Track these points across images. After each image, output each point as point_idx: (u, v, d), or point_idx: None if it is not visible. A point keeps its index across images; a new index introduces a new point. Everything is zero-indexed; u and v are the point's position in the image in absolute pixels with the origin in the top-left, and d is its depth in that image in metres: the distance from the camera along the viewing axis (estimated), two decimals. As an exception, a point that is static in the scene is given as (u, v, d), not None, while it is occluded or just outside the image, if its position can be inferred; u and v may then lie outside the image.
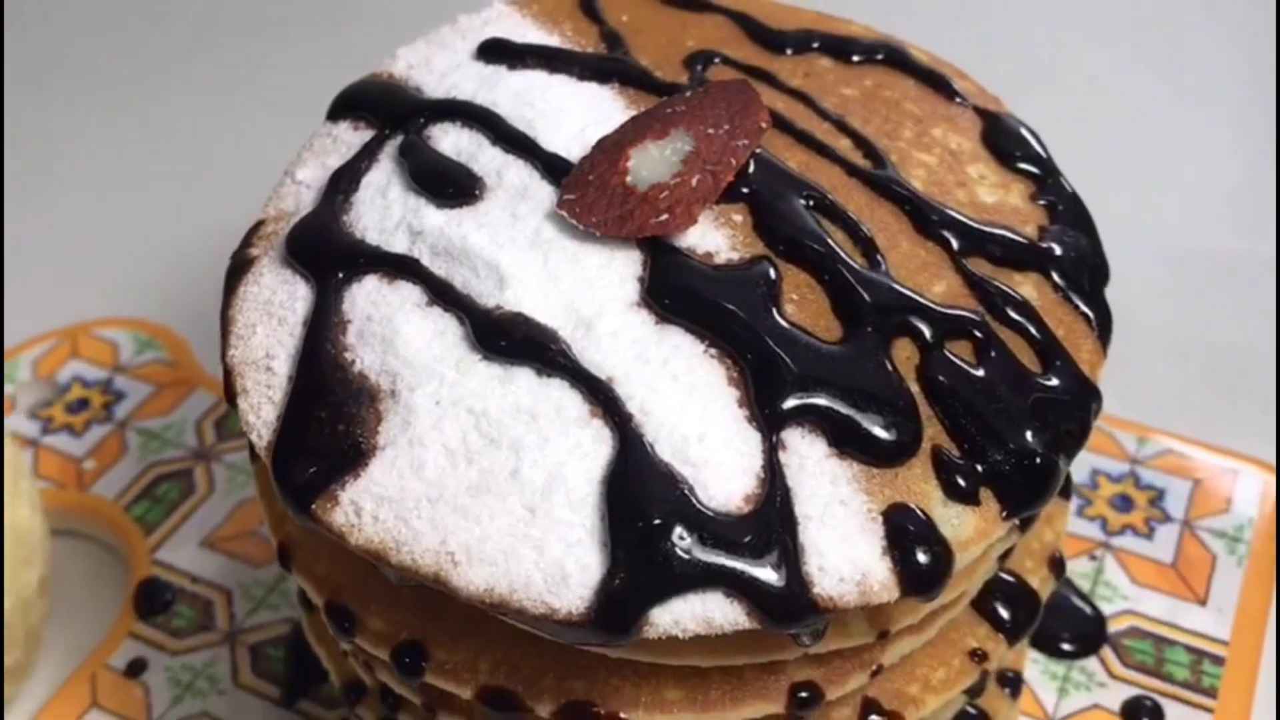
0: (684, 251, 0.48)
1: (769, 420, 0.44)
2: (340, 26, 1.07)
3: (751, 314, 0.46)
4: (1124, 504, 0.74)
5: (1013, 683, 0.61)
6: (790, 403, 0.45)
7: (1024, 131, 0.57)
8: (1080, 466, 0.76)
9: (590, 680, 0.47)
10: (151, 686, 0.67)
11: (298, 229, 0.52)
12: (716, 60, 0.58)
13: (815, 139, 0.53)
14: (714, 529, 0.42)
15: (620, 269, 0.48)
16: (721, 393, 0.45)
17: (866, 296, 0.47)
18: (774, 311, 0.47)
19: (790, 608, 0.42)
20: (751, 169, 0.51)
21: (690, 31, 0.60)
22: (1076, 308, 0.51)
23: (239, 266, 0.53)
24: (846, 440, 0.45)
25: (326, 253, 0.51)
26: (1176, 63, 0.96)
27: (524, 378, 0.45)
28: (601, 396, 0.45)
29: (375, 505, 0.44)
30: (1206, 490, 0.75)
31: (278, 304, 0.50)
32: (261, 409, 0.48)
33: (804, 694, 0.47)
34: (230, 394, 0.49)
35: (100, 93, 1.06)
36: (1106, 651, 0.68)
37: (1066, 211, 0.54)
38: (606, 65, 0.57)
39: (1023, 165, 0.55)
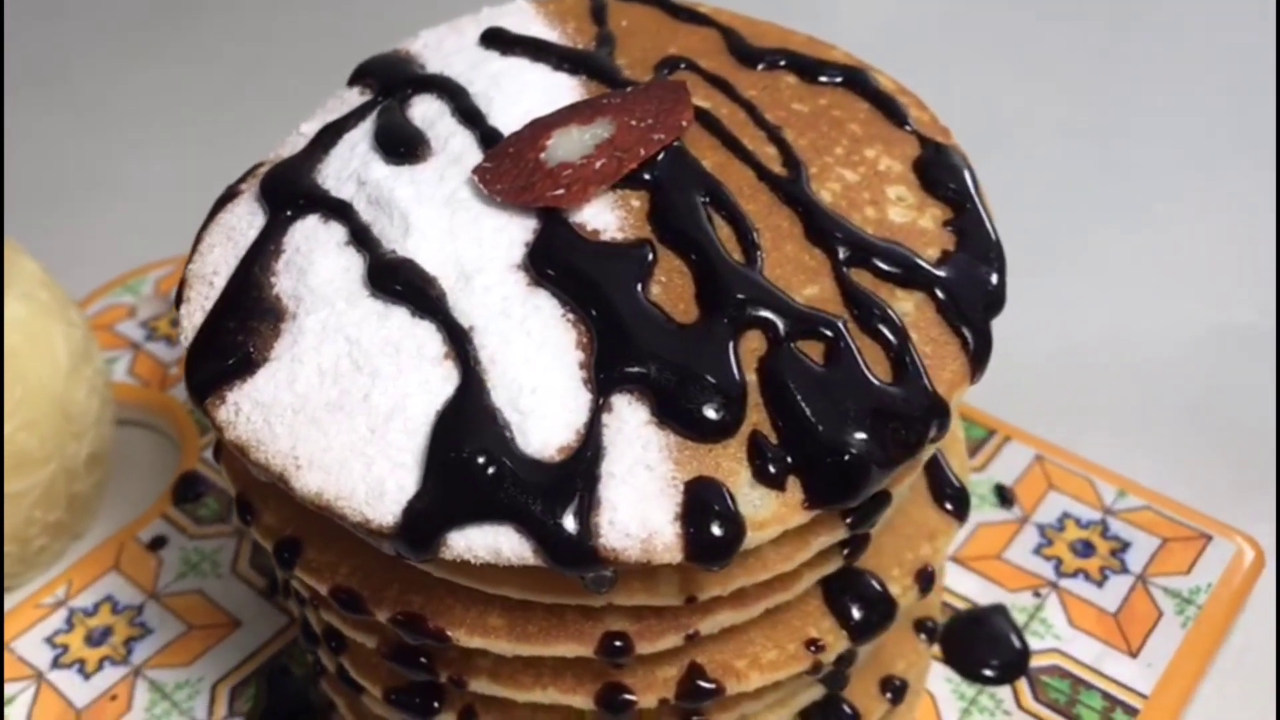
0: (574, 226, 0.49)
1: (602, 383, 0.45)
2: (398, 12, 1.16)
3: (614, 287, 0.47)
4: (1084, 549, 0.71)
5: (896, 689, 0.59)
6: (625, 369, 0.45)
7: (961, 164, 0.55)
8: (1052, 508, 0.73)
9: (427, 596, 0.48)
10: (166, 561, 0.72)
11: (272, 170, 0.55)
12: (683, 66, 0.58)
13: (739, 143, 0.53)
14: (521, 471, 0.43)
15: (513, 234, 0.49)
16: (567, 353, 0.46)
17: (729, 287, 0.47)
18: (637, 289, 0.47)
19: (573, 552, 0.43)
20: (661, 160, 0.51)
21: (677, 40, 0.60)
22: (955, 330, 0.49)
23: (225, 197, 0.56)
24: (668, 412, 0.45)
25: (284, 191, 0.54)
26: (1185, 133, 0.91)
27: (399, 316, 0.47)
28: (459, 341, 0.46)
29: (251, 408, 0.47)
30: (1172, 550, 0.71)
31: (239, 230, 0.54)
32: (194, 315, 0.51)
33: (617, 643, 0.47)
34: (177, 301, 0.52)
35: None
36: (1022, 683, 0.65)
37: (975, 241, 0.52)
38: (579, 59, 0.58)
39: (947, 193, 0.54)
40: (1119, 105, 0.92)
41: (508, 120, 0.54)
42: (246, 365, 0.48)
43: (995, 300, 0.51)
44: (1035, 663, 0.66)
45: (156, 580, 0.71)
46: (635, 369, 0.45)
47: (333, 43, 1.13)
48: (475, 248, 0.49)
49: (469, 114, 0.54)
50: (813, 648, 0.51)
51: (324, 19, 1.22)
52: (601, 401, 0.45)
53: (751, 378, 0.46)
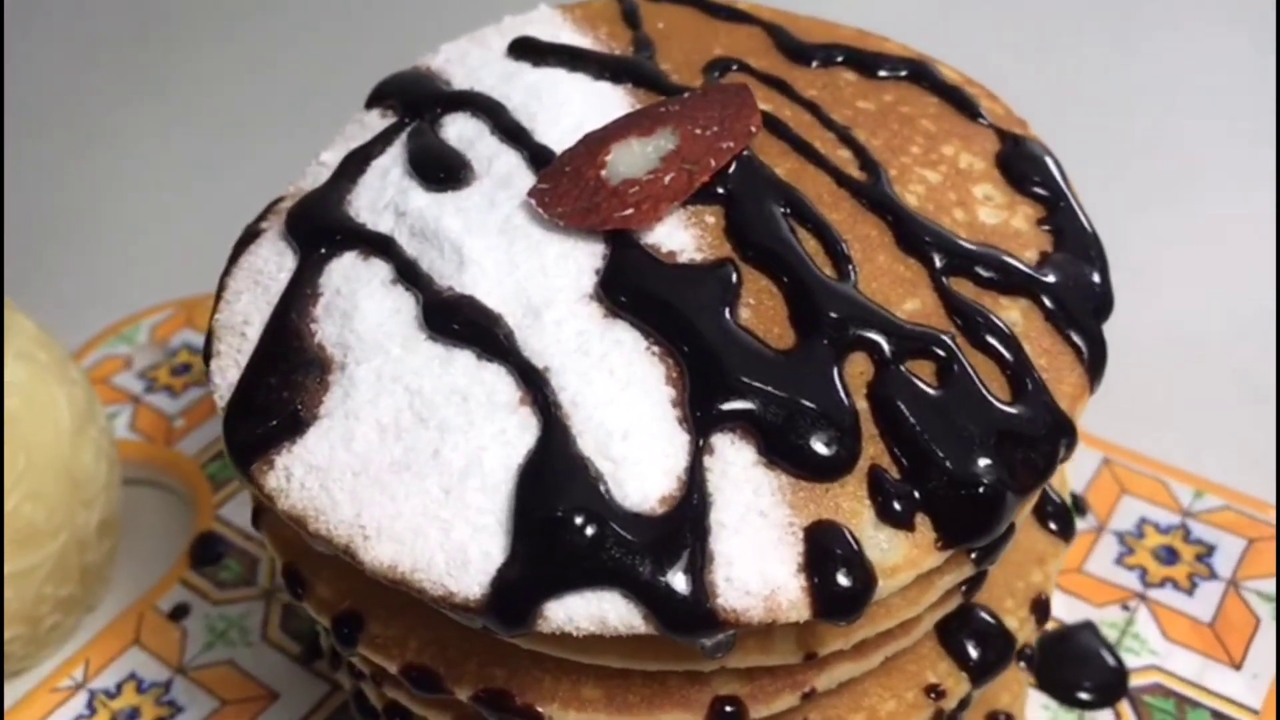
0: (647, 248, 0.44)
1: (699, 422, 0.40)
2: (408, 27, 1.09)
3: (700, 314, 0.42)
4: (1169, 556, 0.66)
5: (1002, 725, 0.54)
6: (724, 406, 0.40)
7: (1045, 157, 0.50)
8: (1127, 514, 0.69)
9: (511, 669, 0.43)
10: (190, 631, 0.66)
11: (297, 205, 0.50)
12: (734, 67, 0.53)
13: (811, 148, 0.48)
14: (621, 527, 0.38)
15: (580, 260, 0.44)
16: (656, 391, 0.41)
17: (826, 306, 0.42)
18: (726, 314, 0.42)
19: (689, 616, 0.38)
20: (733, 171, 0.46)
21: (720, 40, 0.56)
22: (1067, 338, 0.45)
23: (246, 238, 0.51)
24: (776, 450, 0.40)
25: (314, 227, 0.48)
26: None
27: (464, 360, 0.42)
28: (534, 384, 0.41)
29: (304, 472, 0.41)
30: (1260, 551, 0.66)
31: (266, 273, 0.48)
32: (228, 371, 0.45)
33: (728, 709, 0.42)
34: (206, 355, 0.47)
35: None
36: (1124, 706, 0.61)
37: (1073, 240, 0.47)
38: (622, 66, 0.53)
39: (1036, 190, 0.49)
40: (1152, 83, 0.88)
41: (555, 136, 0.49)
42: (294, 424, 0.42)
43: (1104, 302, 0.46)
44: (1135, 681, 0.61)
45: (182, 653, 0.65)
46: (736, 404, 0.40)
47: (338, 64, 1.04)
48: (540, 278, 0.43)
49: (511, 131, 0.49)
50: (933, 694, 0.46)
51: (327, 39, 1.14)
52: (701, 443, 0.40)
53: (862, 405, 0.41)
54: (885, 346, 0.42)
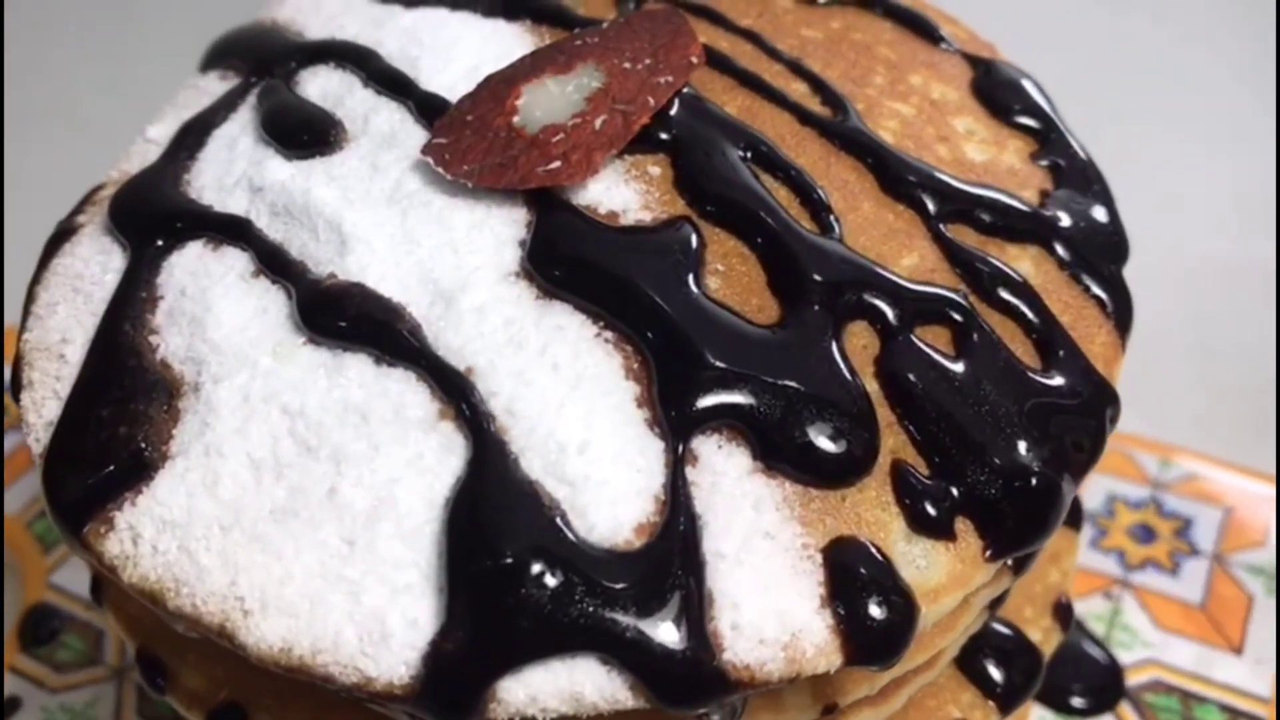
0: (581, 210, 0.35)
1: (675, 424, 0.31)
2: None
3: (661, 288, 0.33)
4: (1145, 535, 0.60)
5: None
6: (704, 401, 0.31)
7: (1024, 81, 0.43)
8: (1094, 491, 0.62)
9: (449, 762, 0.33)
10: (24, 728, 0.54)
11: (123, 190, 0.39)
12: (652, -3, 0.44)
13: (762, 81, 0.40)
14: (590, 570, 0.29)
15: (497, 230, 0.34)
16: (615, 388, 0.31)
17: (812, 268, 0.34)
18: (692, 285, 0.33)
19: (691, 680, 0.28)
20: (676, 112, 0.37)
21: (629, -29, 0.46)
22: (1087, 290, 0.37)
23: (59, 236, 0.40)
24: (776, 452, 0.31)
25: (146, 214, 0.38)
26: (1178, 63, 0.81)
27: (357, 367, 0.32)
28: (455, 392, 0.31)
29: (156, 532, 0.31)
30: (1240, 520, 0.60)
31: (88, 278, 0.37)
32: (44, 405, 0.34)
33: (726, 782, 0.33)
34: (15, 387, 0.36)
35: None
36: (1125, 708, 0.53)
37: (1074, 175, 0.40)
38: (516, 1, 0.43)
39: (1022, 119, 0.41)
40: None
41: (446, 82, 0.39)
42: (138, 469, 0.32)
43: (1120, 244, 0.39)
44: (1132, 679, 0.54)
45: (14, 758, 0.53)
46: (719, 398, 0.31)
47: (159, 23, 0.88)
48: (449, 255, 0.34)
49: (389, 80, 0.39)
50: (959, 732, 0.38)
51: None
52: (681, 450, 0.31)
53: (872, 387, 0.32)
54: (889, 312, 0.33)
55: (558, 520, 0.29)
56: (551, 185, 0.34)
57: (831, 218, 0.35)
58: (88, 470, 0.32)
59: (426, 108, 0.38)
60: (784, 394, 0.31)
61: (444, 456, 0.30)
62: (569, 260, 0.33)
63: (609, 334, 0.32)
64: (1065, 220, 0.38)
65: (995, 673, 0.39)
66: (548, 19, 0.42)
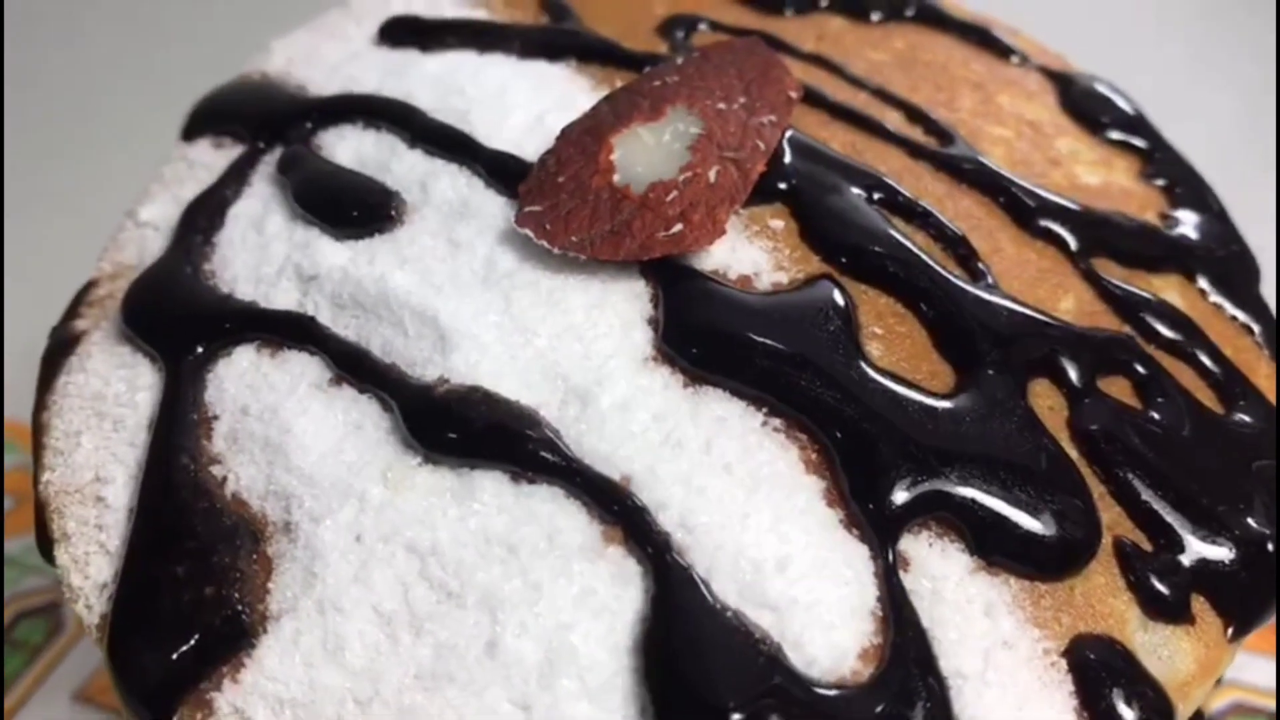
0: (710, 276, 0.30)
1: (877, 524, 0.26)
2: (195, 21, 0.73)
3: (827, 362, 0.28)
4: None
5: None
6: (906, 494, 0.27)
7: (1108, 91, 0.39)
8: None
9: None
10: None
11: (136, 288, 0.33)
12: (702, 26, 0.39)
13: (856, 112, 0.35)
14: (828, 714, 0.24)
15: (620, 309, 0.29)
16: (798, 486, 0.27)
17: (983, 325, 0.30)
18: (856, 355, 0.29)
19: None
20: (786, 156, 0.32)
21: (652, -6, 0.42)
22: (1234, 318, 0.34)
23: (59, 348, 0.33)
24: (995, 544, 0.27)
25: (177, 318, 0.31)
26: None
27: (492, 488, 0.27)
28: (617, 509, 0.26)
29: (272, 715, 0.25)
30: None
31: (111, 399, 0.31)
32: (90, 563, 0.28)
33: None
34: (44, 540, 0.29)
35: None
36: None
37: (1189, 192, 0.37)
38: (556, 38, 0.38)
39: (1118, 135, 0.38)
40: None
41: (512, 138, 0.34)
42: (233, 637, 0.26)
43: (1252, 264, 0.36)
44: (1213, 706, 0.51)
45: None
46: (922, 488, 0.27)
47: (126, 83, 0.69)
48: (573, 344, 0.29)
49: (443, 138, 0.34)
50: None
51: (105, 51, 0.73)
52: (891, 556, 0.26)
53: (1072, 453, 0.28)
54: (1072, 367, 0.30)
55: (773, 655, 0.24)
56: (675, 253, 0.29)
57: (980, 264, 0.31)
58: (169, 642, 0.26)
59: (498, 169, 0.32)
60: (993, 476, 0.27)
61: (620, 589, 0.25)
62: (713, 337, 0.28)
63: (776, 421, 0.27)
64: (1198, 244, 0.35)
65: None
66: (595, 57, 0.37)
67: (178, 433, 0.29)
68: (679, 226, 0.29)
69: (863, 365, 0.28)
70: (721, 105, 0.32)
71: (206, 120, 0.39)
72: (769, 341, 0.28)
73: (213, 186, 0.35)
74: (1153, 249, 0.34)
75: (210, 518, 0.27)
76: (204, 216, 0.34)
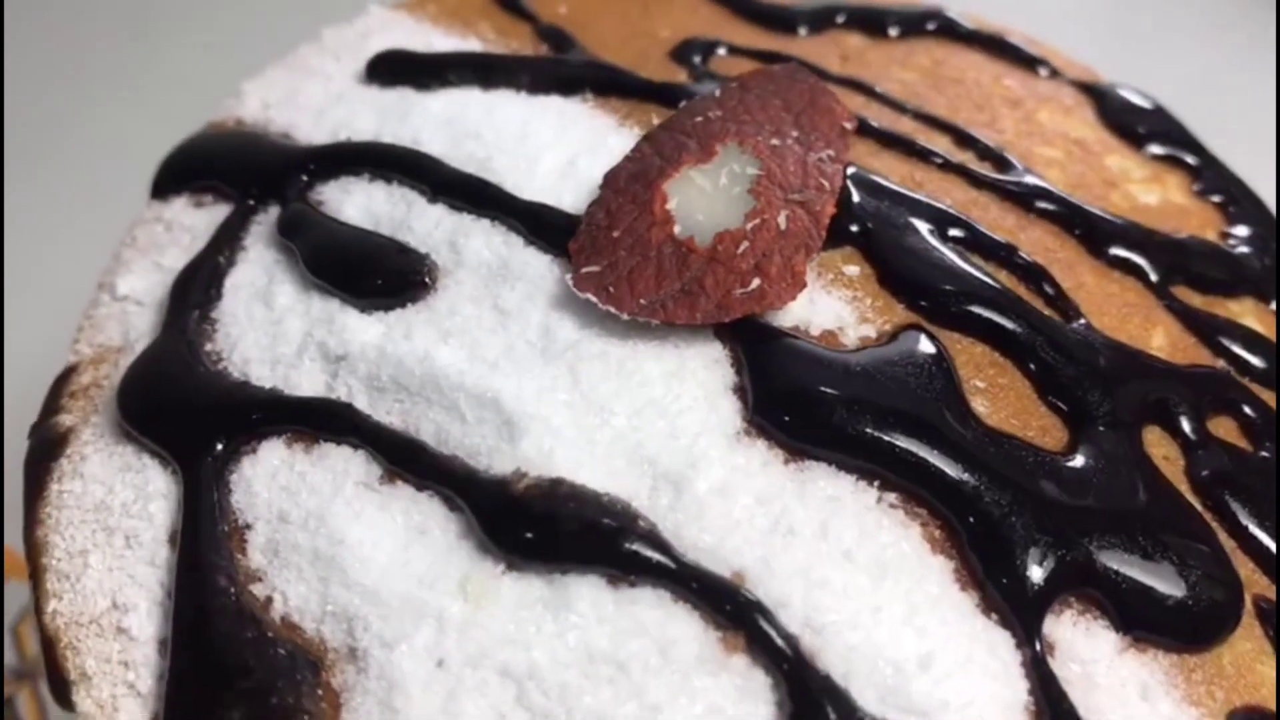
0: (791, 333, 0.27)
1: (1017, 605, 0.24)
2: (158, 61, 0.63)
3: (937, 425, 0.25)
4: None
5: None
6: (1045, 570, 0.24)
7: (1143, 102, 0.37)
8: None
9: None
10: None
11: (133, 378, 0.29)
12: (720, 49, 0.37)
13: (906, 139, 0.33)
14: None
15: (700, 377, 0.26)
16: (926, 569, 0.24)
17: (1087, 370, 0.27)
18: (966, 414, 0.26)
19: None
20: (853, 194, 0.30)
21: (657, 18, 0.39)
22: (1304, 338, 0.32)
23: (45, 449, 0.29)
24: (1143, 618, 0.24)
25: (187, 412, 0.28)
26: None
27: (590, 596, 0.23)
28: (734, 611, 0.23)
29: None
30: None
31: (119, 509, 0.27)
32: (120, 707, 0.24)
33: None
34: (59, 683, 0.25)
35: None
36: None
37: (1243, 207, 0.35)
38: (567, 70, 0.35)
39: (1163, 148, 0.36)
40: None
41: (544, 186, 0.30)
42: (307, 792, 0.22)
43: (1309, 279, 0.34)
44: None
45: None
46: (1062, 563, 0.24)
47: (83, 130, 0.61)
48: (656, 422, 0.25)
49: (467, 191, 0.30)
50: None
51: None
52: (1037, 640, 0.23)
53: (1195, 504, 0.26)
54: (1185, 412, 0.27)
55: (930, 769, 0.22)
56: (756, 312, 0.26)
57: (1068, 301, 0.29)
58: (230, 803, 0.22)
59: (537, 223, 0.29)
60: (1133, 543, 0.25)
61: (751, 706, 0.22)
62: (809, 405, 0.26)
63: (892, 496, 0.25)
64: (1265, 263, 0.33)
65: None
66: (613, 89, 0.34)
67: (208, 548, 0.25)
68: (756, 282, 0.27)
69: (975, 426, 0.26)
70: (775, 141, 0.30)
71: (181, 175, 0.35)
72: (872, 406, 0.25)
73: (202, 253, 0.32)
74: (1226, 272, 0.32)
75: (262, 649, 0.24)
76: (197, 289, 0.31)
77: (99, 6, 0.67)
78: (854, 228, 0.29)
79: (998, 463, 0.25)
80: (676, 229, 0.28)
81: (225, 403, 0.27)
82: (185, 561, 0.25)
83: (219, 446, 0.27)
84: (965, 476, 0.25)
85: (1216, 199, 0.35)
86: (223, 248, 0.32)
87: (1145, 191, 0.34)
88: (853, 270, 0.29)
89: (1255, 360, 0.30)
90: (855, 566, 0.24)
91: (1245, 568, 0.26)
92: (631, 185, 0.29)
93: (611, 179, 0.29)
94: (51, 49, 0.65)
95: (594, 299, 0.27)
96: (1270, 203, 0.36)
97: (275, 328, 0.29)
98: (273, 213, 0.32)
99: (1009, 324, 0.28)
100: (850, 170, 0.30)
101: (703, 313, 0.26)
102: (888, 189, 0.30)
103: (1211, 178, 0.35)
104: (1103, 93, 0.37)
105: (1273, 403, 0.29)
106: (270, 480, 0.26)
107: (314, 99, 0.36)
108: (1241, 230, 0.34)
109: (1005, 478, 0.25)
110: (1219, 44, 0.63)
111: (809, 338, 0.27)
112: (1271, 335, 0.31)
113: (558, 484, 0.24)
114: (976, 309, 0.28)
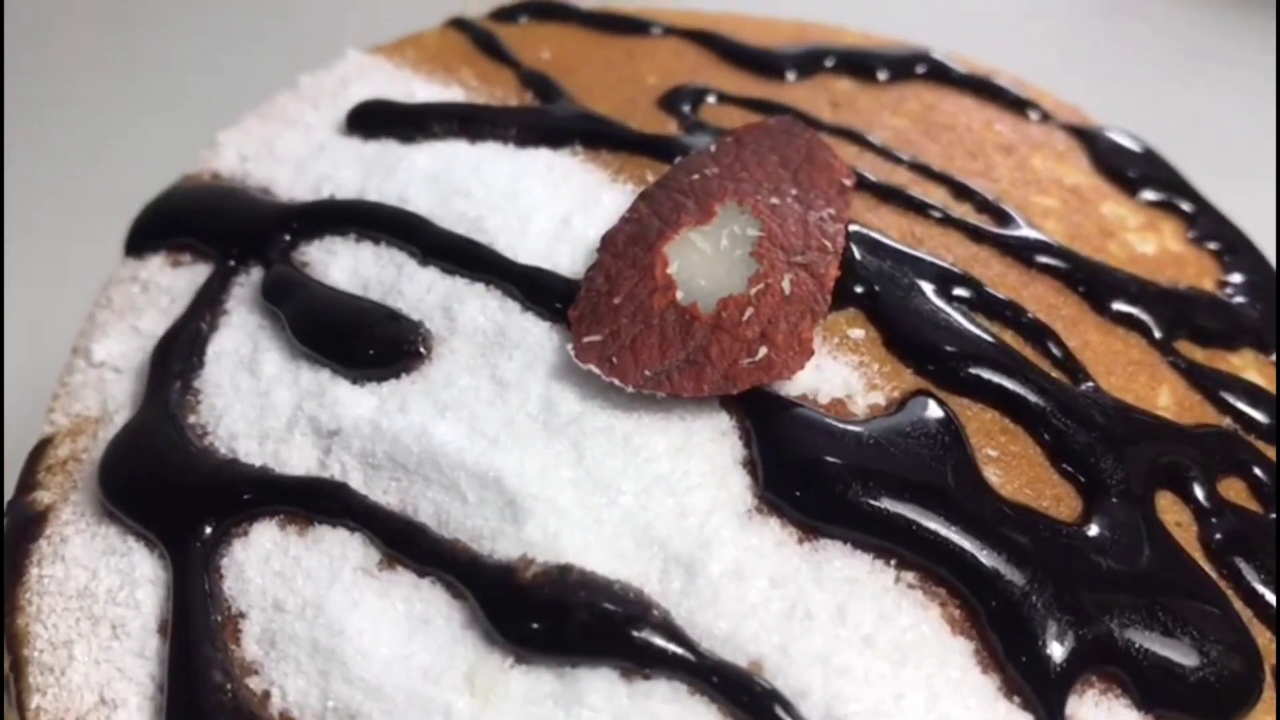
0: (799, 402, 0.26)
1: (1039, 687, 0.23)
2: (132, 109, 0.60)
3: (952, 499, 0.25)
4: None
5: None
6: (1066, 649, 0.24)
7: (1131, 144, 0.37)
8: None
9: None
10: None
11: (115, 453, 0.27)
12: (709, 97, 0.36)
13: (903, 193, 0.32)
14: None
15: (708, 450, 0.26)
16: (948, 652, 0.24)
17: (1099, 436, 0.27)
18: (981, 486, 0.25)
19: None
20: (856, 254, 0.29)
21: (643, 63, 0.38)
22: (1303, 390, 0.32)
23: (22, 529, 0.28)
24: (1165, 695, 0.24)
25: (173, 491, 0.26)
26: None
27: (603, 690, 0.23)
28: (751, 703, 0.22)
29: None
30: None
31: (104, 597, 0.26)
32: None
33: None
34: (37, 785, 0.24)
35: None
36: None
37: (1239, 255, 0.35)
38: (554, 121, 0.34)
39: (1154, 194, 0.36)
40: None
41: (538, 248, 0.30)
42: None
43: (1316, 329, 0.34)
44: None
45: None
46: (1082, 643, 0.24)
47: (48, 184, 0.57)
48: (664, 500, 0.25)
49: (459, 254, 0.29)
50: None
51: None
52: (1061, 722, 0.23)
53: (1209, 571, 0.26)
54: (1195, 478, 0.27)
55: None
56: (767, 382, 0.26)
57: (1077, 364, 0.29)
58: None
59: (535, 288, 0.28)
60: (1152, 618, 0.24)
61: (777, 807, 0.22)
62: (822, 480, 0.25)
63: (910, 576, 0.24)
64: (1262, 313, 0.33)
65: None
66: (603, 142, 0.33)
67: (201, 640, 0.24)
68: (763, 350, 0.26)
69: (990, 499, 0.25)
70: (775, 200, 0.29)
71: (156, 232, 0.34)
72: (887, 481, 0.25)
73: (183, 318, 0.30)
74: (1226, 324, 0.32)
75: (257, 759, 0.23)
76: (178, 357, 0.29)
77: (63, 52, 0.65)
78: (858, 289, 0.28)
79: (1016, 538, 0.24)
80: (679, 295, 0.27)
81: (213, 482, 0.26)
82: (177, 655, 0.24)
83: (208, 530, 0.26)
84: (984, 554, 0.24)
85: (1212, 246, 0.34)
86: (203, 312, 0.30)
87: (1141, 240, 0.34)
88: (858, 334, 0.28)
89: (1259, 416, 0.29)
90: (875, 652, 0.23)
91: (1263, 636, 0.25)
92: (630, 248, 0.28)
93: (609, 242, 0.29)
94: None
95: (597, 370, 0.26)
96: (1270, 244, 0.36)
97: (263, 399, 0.28)
98: (255, 274, 0.31)
99: (1019, 389, 0.27)
100: (852, 228, 0.30)
101: (709, 384, 0.26)
102: (890, 247, 0.29)
103: (1205, 224, 0.35)
104: (1093, 136, 0.37)
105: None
106: (264, 565, 0.25)
107: (293, 150, 0.35)
108: (1237, 278, 0.34)
109: (1024, 553, 0.24)
110: (1216, 75, 0.63)
111: (817, 407, 0.26)
112: (1272, 387, 0.31)
113: (566, 571, 0.23)
114: (985, 374, 0.27)
